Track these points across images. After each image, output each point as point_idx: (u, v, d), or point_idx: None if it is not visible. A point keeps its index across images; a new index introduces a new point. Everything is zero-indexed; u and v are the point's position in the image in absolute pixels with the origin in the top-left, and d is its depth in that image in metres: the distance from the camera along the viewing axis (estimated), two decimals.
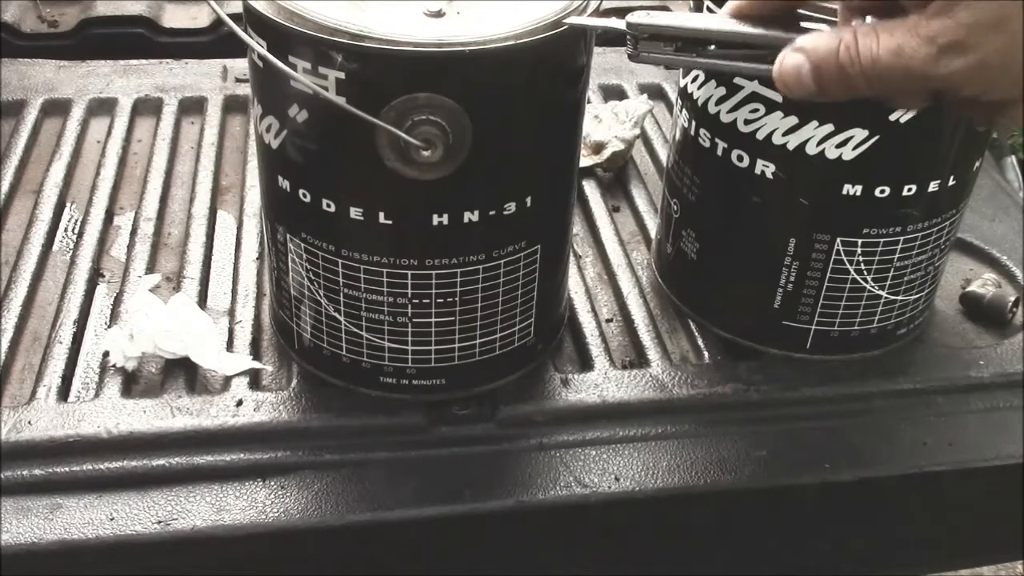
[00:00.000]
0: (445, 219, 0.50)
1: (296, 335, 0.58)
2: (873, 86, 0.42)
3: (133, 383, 0.58)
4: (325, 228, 0.52)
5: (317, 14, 0.46)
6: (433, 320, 0.53)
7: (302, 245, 0.53)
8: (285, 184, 0.52)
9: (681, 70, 0.61)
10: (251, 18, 0.48)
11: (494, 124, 0.49)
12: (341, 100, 0.46)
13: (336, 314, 0.54)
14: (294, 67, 0.46)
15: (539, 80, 0.49)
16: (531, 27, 0.47)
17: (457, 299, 0.53)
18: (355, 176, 0.50)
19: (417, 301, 0.53)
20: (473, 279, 0.53)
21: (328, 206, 0.51)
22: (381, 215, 0.50)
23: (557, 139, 0.53)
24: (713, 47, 0.47)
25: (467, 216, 0.50)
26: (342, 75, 0.46)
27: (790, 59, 0.43)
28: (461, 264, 0.52)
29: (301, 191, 0.51)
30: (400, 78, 0.46)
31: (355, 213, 0.50)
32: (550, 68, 0.49)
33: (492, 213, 0.51)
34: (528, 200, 0.52)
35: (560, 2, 0.49)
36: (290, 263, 0.55)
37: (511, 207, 0.51)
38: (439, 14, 0.48)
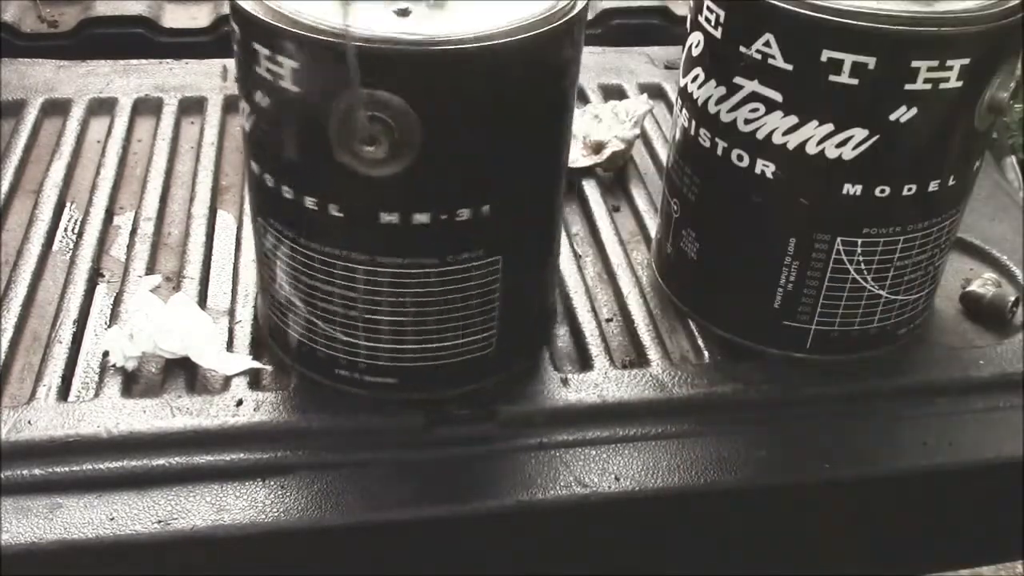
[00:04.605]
0: (395, 218, 0.50)
1: (274, 324, 0.58)
2: None
3: (133, 383, 0.58)
4: (287, 216, 0.52)
5: (283, 4, 0.47)
6: (383, 319, 0.53)
7: (270, 231, 0.54)
8: (255, 168, 0.53)
9: (681, 69, 0.61)
10: (232, 8, 0.49)
11: (444, 125, 0.48)
12: (295, 89, 0.47)
13: (298, 302, 0.54)
14: (257, 54, 0.47)
15: (495, 85, 0.48)
16: (491, 31, 0.47)
17: (407, 301, 0.53)
18: (308, 165, 0.50)
19: (368, 298, 0.53)
20: (423, 282, 0.52)
21: (287, 193, 0.51)
22: (332, 207, 0.50)
23: (516, 147, 0.52)
24: None
25: (416, 217, 0.50)
26: (296, 65, 0.46)
27: None
28: (411, 266, 0.52)
29: (266, 176, 0.52)
30: (347, 72, 0.46)
31: (310, 202, 0.50)
32: (508, 73, 0.48)
33: (444, 217, 0.50)
34: (485, 208, 0.51)
35: (545, 3, 0.49)
36: (265, 250, 0.55)
37: (464, 213, 0.51)
38: (405, 12, 0.48)
